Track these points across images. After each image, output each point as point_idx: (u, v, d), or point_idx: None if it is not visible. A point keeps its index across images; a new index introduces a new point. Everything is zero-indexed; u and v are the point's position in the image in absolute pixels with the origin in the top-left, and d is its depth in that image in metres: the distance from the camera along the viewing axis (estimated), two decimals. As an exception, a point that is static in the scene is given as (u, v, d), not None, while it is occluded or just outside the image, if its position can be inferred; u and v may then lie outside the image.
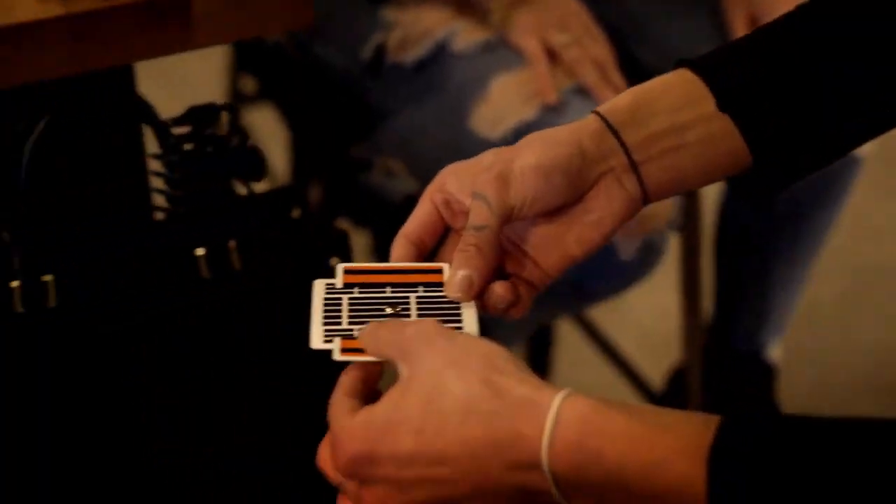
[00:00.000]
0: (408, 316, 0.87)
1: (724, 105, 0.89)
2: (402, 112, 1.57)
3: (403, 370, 0.80)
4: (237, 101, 2.32)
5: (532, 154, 0.88)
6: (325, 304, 0.88)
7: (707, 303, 1.88)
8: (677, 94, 0.90)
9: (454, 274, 0.88)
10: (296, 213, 1.27)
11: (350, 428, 0.79)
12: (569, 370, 2.16)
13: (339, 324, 0.87)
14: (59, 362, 1.14)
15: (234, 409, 1.23)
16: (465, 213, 0.89)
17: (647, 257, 1.52)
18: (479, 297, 0.89)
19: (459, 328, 0.86)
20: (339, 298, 0.89)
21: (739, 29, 1.60)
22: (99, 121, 1.17)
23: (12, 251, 1.13)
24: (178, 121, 1.16)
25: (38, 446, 1.16)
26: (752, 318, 1.86)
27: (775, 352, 1.91)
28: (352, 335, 0.86)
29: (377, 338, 0.83)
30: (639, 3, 1.69)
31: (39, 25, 1.02)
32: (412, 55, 1.55)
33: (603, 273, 1.53)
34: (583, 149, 0.89)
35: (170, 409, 1.21)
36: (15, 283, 1.12)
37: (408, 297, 0.89)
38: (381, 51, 1.57)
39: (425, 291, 0.89)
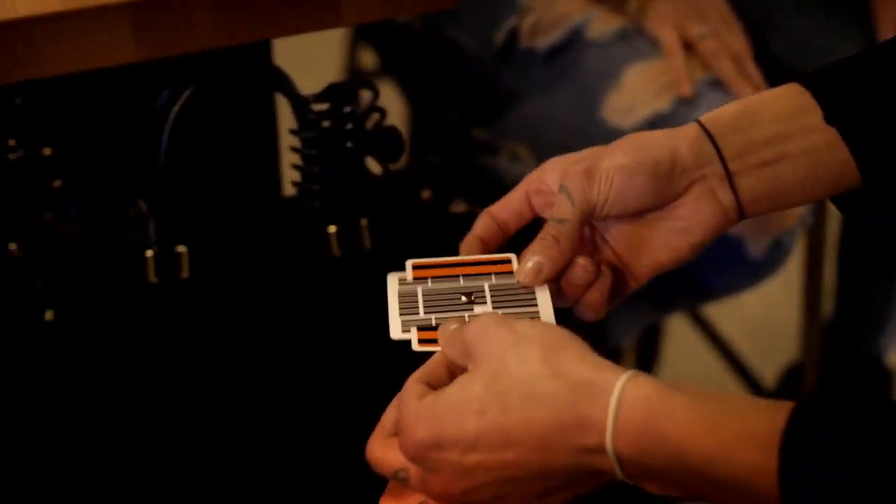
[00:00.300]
0: (483, 303, 0.88)
1: (831, 117, 0.87)
2: (533, 97, 1.56)
3: (469, 365, 0.81)
4: (354, 74, 2.32)
5: (622, 154, 0.88)
6: (401, 295, 0.89)
7: (827, 302, 1.84)
8: (783, 104, 0.89)
9: (527, 259, 0.88)
10: (426, 194, 1.26)
11: (417, 412, 0.79)
12: (677, 362, 2.14)
13: (416, 314, 0.88)
14: (194, 332, 1.14)
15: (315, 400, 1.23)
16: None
17: (776, 256, 1.49)
18: (560, 277, 0.89)
19: (535, 314, 0.87)
20: (414, 290, 0.90)
21: (887, 30, 1.56)
22: (237, 93, 1.17)
23: (148, 221, 1.13)
24: (318, 97, 1.15)
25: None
26: (873, 322, 1.82)
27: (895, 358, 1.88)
28: (430, 325, 0.87)
29: (444, 338, 0.84)
30: None
31: (187, -3, 1.02)
32: (545, 41, 1.54)
33: (729, 271, 1.51)
34: (676, 154, 0.88)
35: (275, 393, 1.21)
36: (149, 253, 1.12)
37: (482, 286, 0.89)
38: (514, 35, 1.56)
39: (498, 280, 0.89)
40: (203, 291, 1.15)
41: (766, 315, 2.27)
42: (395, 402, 0.85)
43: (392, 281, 0.91)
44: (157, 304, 1.13)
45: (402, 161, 1.21)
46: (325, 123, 1.16)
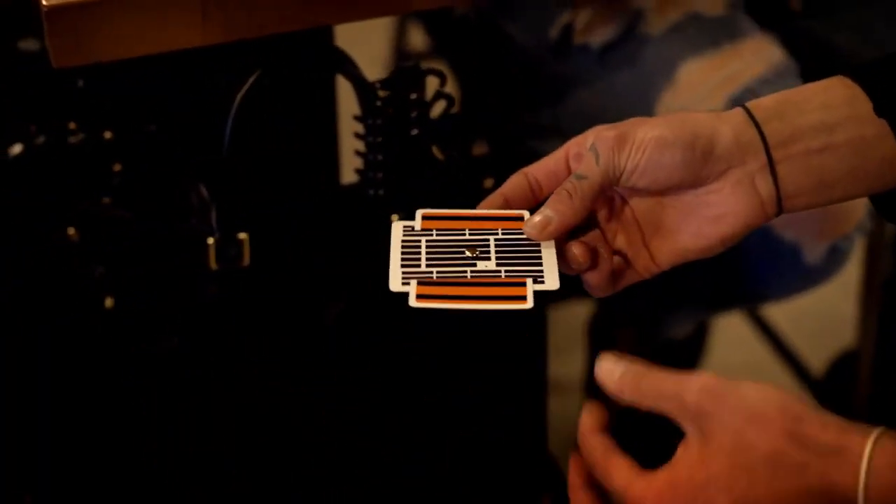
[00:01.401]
0: (487, 258, 0.85)
1: (881, 109, 0.84)
2: (587, 94, 1.54)
3: (690, 429, 0.78)
4: (401, 56, 2.30)
5: (658, 124, 0.85)
6: (403, 246, 0.87)
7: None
8: (831, 94, 0.86)
9: (538, 212, 0.86)
10: (488, 182, 1.24)
11: (655, 493, 0.77)
12: (725, 351, 2.12)
13: (418, 266, 0.85)
14: (254, 320, 1.13)
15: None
16: None
17: (833, 262, 1.47)
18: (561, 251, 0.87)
19: (540, 273, 0.84)
20: (418, 240, 0.87)
21: None
22: (303, 78, 1.15)
23: (209, 207, 1.12)
24: (384, 83, 1.13)
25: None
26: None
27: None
28: (430, 278, 0.84)
29: (641, 391, 0.80)
30: None
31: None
32: (600, 37, 1.51)
33: (785, 277, 1.48)
34: (716, 134, 0.84)
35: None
36: (211, 240, 1.11)
37: (487, 240, 0.87)
38: (568, 31, 1.53)
39: (504, 235, 0.87)
40: (264, 279, 1.13)
41: (816, 303, 2.24)
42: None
43: (396, 229, 0.88)
44: (218, 292, 1.12)
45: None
46: (390, 110, 1.14)
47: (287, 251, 1.15)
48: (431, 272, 0.85)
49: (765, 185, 0.85)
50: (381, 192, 1.16)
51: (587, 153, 0.86)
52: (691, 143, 0.84)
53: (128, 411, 1.14)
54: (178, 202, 1.14)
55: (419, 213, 0.89)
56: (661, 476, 0.78)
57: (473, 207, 1.08)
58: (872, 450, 0.74)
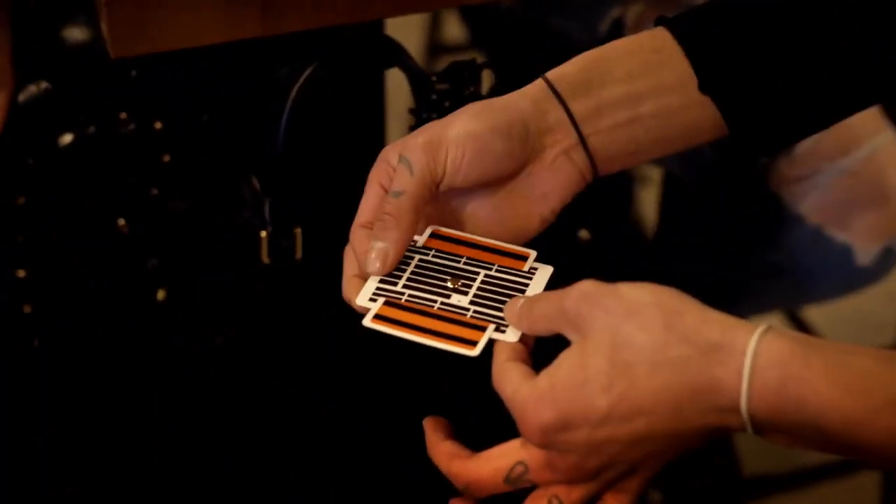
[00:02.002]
0: (465, 293, 0.83)
1: (705, 86, 0.85)
2: None
3: (573, 335, 0.77)
4: (437, 48, 2.29)
5: (469, 120, 0.83)
6: None
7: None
8: (636, 60, 0.86)
9: (371, 246, 0.83)
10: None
11: (535, 395, 0.76)
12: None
13: (395, 284, 0.83)
14: (305, 314, 1.12)
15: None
16: None
17: (885, 263, 1.45)
18: None
19: (505, 321, 0.81)
20: (410, 257, 0.85)
21: None
22: (359, 71, 1.13)
23: (263, 201, 1.10)
24: (441, 76, 1.12)
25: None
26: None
27: None
28: (399, 301, 0.82)
29: (532, 313, 0.79)
30: None
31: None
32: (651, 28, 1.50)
33: (836, 278, 1.47)
34: (525, 116, 0.84)
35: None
36: (264, 234, 1.09)
37: (477, 273, 0.84)
38: (619, 25, 1.52)
39: (497, 272, 0.85)
40: (316, 274, 1.12)
41: (857, 305, 2.23)
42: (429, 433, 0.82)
43: None
44: (270, 285, 1.11)
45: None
46: (446, 104, 1.12)
47: (340, 246, 1.13)
48: (403, 294, 0.83)
49: (580, 158, 0.85)
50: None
51: (399, 166, 0.83)
52: (508, 131, 0.83)
53: (177, 403, 1.13)
54: (230, 195, 1.13)
55: (430, 228, 0.87)
56: (542, 380, 0.76)
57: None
58: (757, 347, 0.72)
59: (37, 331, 1.13)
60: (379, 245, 0.83)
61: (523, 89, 0.86)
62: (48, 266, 1.13)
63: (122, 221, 1.13)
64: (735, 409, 0.73)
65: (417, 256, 0.85)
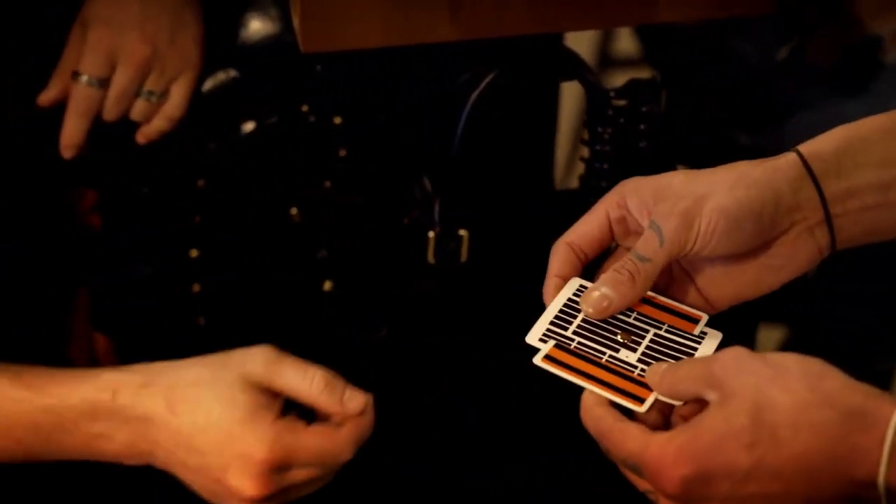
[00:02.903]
0: (633, 350, 0.83)
1: None
2: (812, 116, 1.51)
3: (712, 395, 0.77)
4: (607, 62, 2.29)
5: (724, 195, 0.83)
6: (565, 305, 0.85)
7: None
8: (891, 145, 0.85)
9: (596, 288, 0.84)
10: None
11: (675, 447, 0.76)
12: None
13: (565, 329, 0.84)
14: (469, 315, 1.13)
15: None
16: (638, 235, 0.85)
17: None
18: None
19: None
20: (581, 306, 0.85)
21: None
22: (538, 81, 1.15)
23: (433, 201, 1.12)
24: (619, 92, 1.12)
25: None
26: None
27: None
28: (567, 346, 0.83)
29: (677, 378, 0.80)
30: None
31: (509, -20, 1.00)
32: (832, 60, 1.48)
33: None
34: (779, 195, 0.83)
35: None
36: (431, 234, 1.11)
37: (646, 332, 0.85)
38: (798, 53, 1.51)
39: (667, 332, 0.85)
40: (480, 276, 1.13)
41: None
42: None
43: (571, 285, 0.87)
44: (434, 285, 1.12)
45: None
46: (621, 120, 1.13)
47: (504, 251, 1.15)
48: (573, 341, 0.84)
49: (822, 235, 0.85)
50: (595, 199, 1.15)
51: (648, 231, 0.84)
52: (760, 212, 0.83)
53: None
54: (402, 193, 1.15)
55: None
56: (682, 434, 0.76)
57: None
58: None
59: (203, 309, 1.16)
60: (608, 293, 0.84)
61: (777, 161, 0.85)
62: (220, 248, 1.16)
63: (294, 211, 1.16)
64: (872, 483, 0.73)
65: None
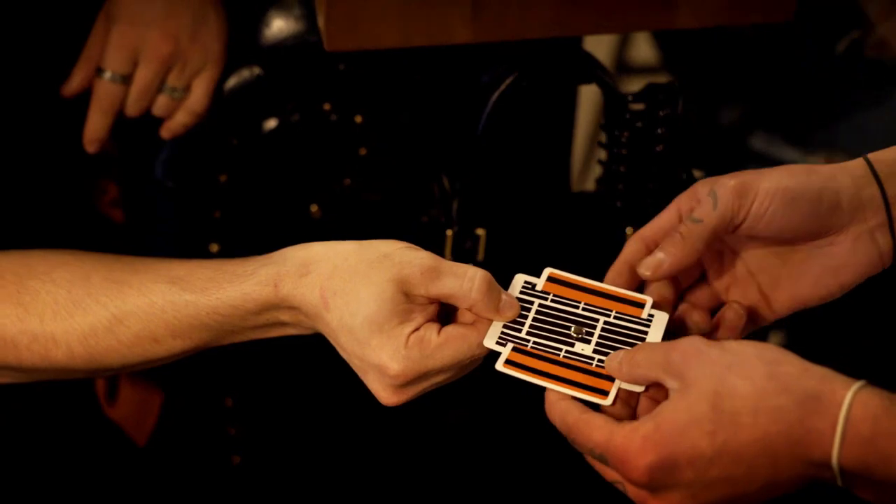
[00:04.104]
0: (589, 341, 0.85)
1: None
2: (870, 109, 1.50)
3: (672, 383, 0.79)
4: (625, 66, 2.29)
5: (784, 175, 0.85)
6: None
7: None
8: None
9: (653, 254, 0.87)
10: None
11: (640, 436, 0.78)
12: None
13: (519, 331, 0.86)
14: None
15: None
16: None
17: None
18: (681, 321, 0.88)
19: None
20: (531, 302, 0.88)
21: None
22: (557, 84, 1.16)
23: (451, 199, 1.13)
24: (637, 96, 1.14)
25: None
26: None
27: None
28: (525, 347, 0.85)
29: (634, 363, 0.82)
30: None
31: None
32: (889, 52, 1.47)
33: None
34: (839, 187, 0.85)
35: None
36: (449, 232, 1.12)
37: (597, 321, 0.87)
38: (856, 46, 1.49)
39: (616, 319, 0.87)
40: (496, 275, 1.14)
41: None
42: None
43: (516, 284, 0.89)
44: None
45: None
46: (639, 124, 1.14)
47: (521, 250, 1.16)
48: (528, 341, 0.86)
49: (883, 240, 0.86)
50: (618, 203, 1.16)
51: (705, 197, 0.86)
52: (818, 196, 0.85)
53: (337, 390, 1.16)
54: (421, 192, 1.16)
55: (547, 271, 0.90)
56: (645, 423, 0.78)
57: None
58: (853, 400, 0.74)
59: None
60: (659, 255, 0.87)
61: (843, 164, 0.87)
62: (240, 243, 1.17)
63: (314, 207, 1.17)
64: (826, 462, 0.75)
65: (537, 301, 0.88)
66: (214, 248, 1.18)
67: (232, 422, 1.21)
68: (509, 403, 1.20)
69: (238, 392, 1.21)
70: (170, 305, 0.90)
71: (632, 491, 0.80)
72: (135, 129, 1.16)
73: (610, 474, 0.81)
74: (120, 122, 1.15)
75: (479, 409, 1.22)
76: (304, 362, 1.19)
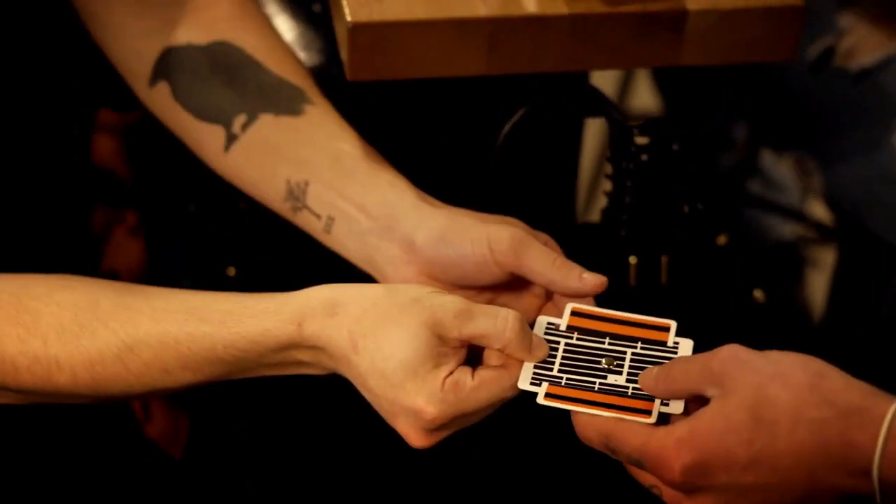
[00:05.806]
0: (619, 372, 0.88)
1: None
2: (835, 116, 1.50)
3: (712, 391, 0.81)
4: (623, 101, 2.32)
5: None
6: None
7: None
8: None
9: None
10: (721, 240, 1.27)
11: (675, 439, 0.80)
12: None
13: (550, 369, 0.88)
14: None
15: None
16: None
17: None
18: None
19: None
20: (557, 342, 0.90)
21: None
22: (566, 118, 1.19)
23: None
24: (642, 129, 1.17)
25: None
26: None
27: None
28: (559, 383, 0.87)
29: (671, 378, 0.84)
30: None
31: (543, 21, 1.05)
32: (858, 63, 1.47)
33: None
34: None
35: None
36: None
37: (625, 353, 0.89)
38: (828, 54, 1.49)
39: (643, 349, 0.89)
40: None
41: None
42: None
43: (539, 326, 0.92)
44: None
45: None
46: (643, 157, 1.18)
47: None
48: (561, 379, 0.88)
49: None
50: (623, 233, 1.20)
51: None
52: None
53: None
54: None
55: (570, 306, 0.92)
56: (681, 427, 0.80)
57: (709, 264, 1.10)
58: (894, 414, 0.75)
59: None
60: None
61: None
62: (258, 268, 1.20)
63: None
64: (867, 474, 0.76)
65: (563, 341, 0.91)
66: (231, 271, 1.20)
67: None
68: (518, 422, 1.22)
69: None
70: (185, 336, 0.88)
71: (667, 493, 0.82)
72: (153, 155, 1.19)
73: (646, 478, 0.83)
74: (137, 148, 1.17)
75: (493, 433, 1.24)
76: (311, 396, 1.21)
